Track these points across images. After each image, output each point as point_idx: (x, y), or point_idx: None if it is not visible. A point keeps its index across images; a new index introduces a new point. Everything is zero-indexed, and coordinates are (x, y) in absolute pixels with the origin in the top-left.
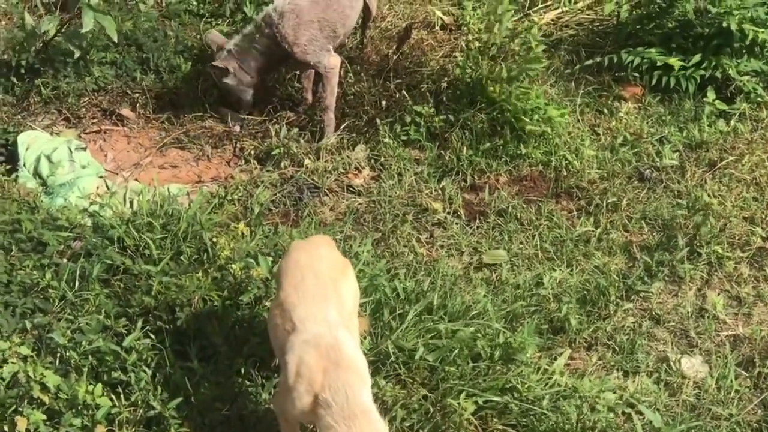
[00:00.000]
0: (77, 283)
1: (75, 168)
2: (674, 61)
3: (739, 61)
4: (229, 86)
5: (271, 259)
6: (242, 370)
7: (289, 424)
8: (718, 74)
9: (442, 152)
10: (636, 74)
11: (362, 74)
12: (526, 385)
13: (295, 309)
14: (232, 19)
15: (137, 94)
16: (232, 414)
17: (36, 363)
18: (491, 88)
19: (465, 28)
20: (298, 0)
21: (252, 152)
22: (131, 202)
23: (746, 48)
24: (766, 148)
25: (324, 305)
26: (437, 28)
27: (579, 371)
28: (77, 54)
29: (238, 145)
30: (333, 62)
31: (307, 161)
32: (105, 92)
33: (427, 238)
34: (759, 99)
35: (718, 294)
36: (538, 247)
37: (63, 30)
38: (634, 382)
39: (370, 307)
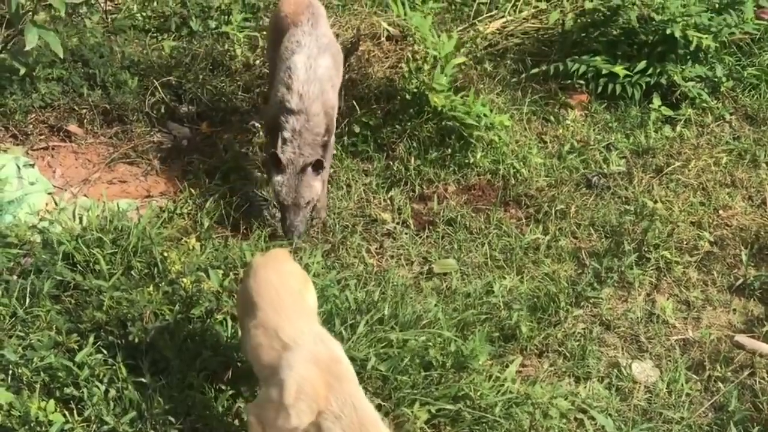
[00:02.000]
0: (28, 300)
1: (23, 185)
2: (619, 70)
3: (683, 67)
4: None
5: (221, 272)
6: (195, 383)
7: None
8: (663, 81)
9: (390, 163)
10: (582, 82)
11: None
12: (478, 393)
13: (281, 328)
14: (177, 33)
15: (84, 110)
16: (185, 427)
17: None
18: (435, 98)
19: (410, 38)
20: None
21: (200, 166)
22: (80, 218)
23: (690, 54)
24: (712, 153)
25: (307, 320)
26: (383, 39)
27: (531, 378)
28: (23, 71)
29: (186, 159)
30: None
31: (255, 174)
32: (52, 108)
33: (376, 248)
34: (704, 104)
35: (668, 299)
36: (488, 255)
37: (8, 47)
38: (585, 387)
39: (322, 317)
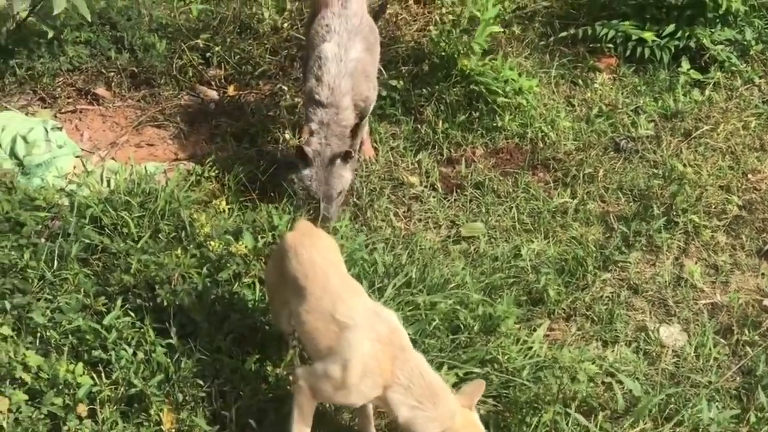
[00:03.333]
0: (56, 263)
1: (51, 148)
2: (648, 36)
3: (712, 30)
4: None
5: (249, 235)
6: (222, 347)
7: (312, 402)
8: (692, 44)
9: (418, 126)
10: (610, 45)
11: None
12: (506, 356)
13: (335, 309)
14: None
15: (112, 73)
16: (213, 390)
17: (17, 343)
18: (463, 62)
19: (439, 1)
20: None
21: (228, 129)
22: (108, 181)
23: (720, 17)
24: (741, 116)
25: (357, 296)
26: (411, 2)
27: (558, 342)
28: (51, 34)
29: (214, 122)
30: None
31: (285, 136)
32: (80, 72)
33: (404, 211)
34: (733, 68)
35: (696, 262)
36: (516, 219)
37: (36, 10)
38: (613, 351)
39: None
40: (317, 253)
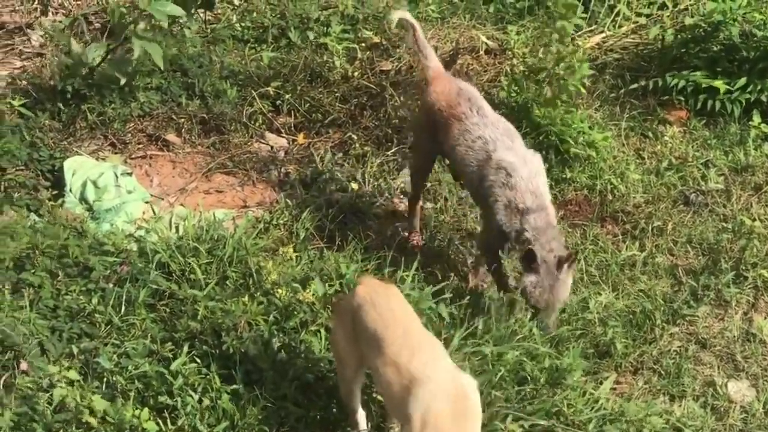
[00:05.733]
0: (123, 308)
1: (121, 193)
2: (720, 85)
3: None
4: None
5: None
6: (288, 394)
7: None
8: (763, 97)
9: None
10: (681, 98)
11: (408, 99)
12: (572, 409)
13: (410, 362)
14: (276, 44)
15: (182, 120)
16: None
17: (83, 387)
18: (536, 112)
19: (509, 52)
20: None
21: (297, 177)
22: (177, 227)
23: None
24: None
25: (436, 351)
26: (482, 52)
27: (625, 395)
28: (123, 80)
29: (283, 170)
30: None
31: (352, 185)
32: (150, 117)
33: (473, 262)
34: None
35: (765, 318)
36: (584, 271)
37: (109, 56)
38: (680, 406)
39: None
40: (396, 304)
